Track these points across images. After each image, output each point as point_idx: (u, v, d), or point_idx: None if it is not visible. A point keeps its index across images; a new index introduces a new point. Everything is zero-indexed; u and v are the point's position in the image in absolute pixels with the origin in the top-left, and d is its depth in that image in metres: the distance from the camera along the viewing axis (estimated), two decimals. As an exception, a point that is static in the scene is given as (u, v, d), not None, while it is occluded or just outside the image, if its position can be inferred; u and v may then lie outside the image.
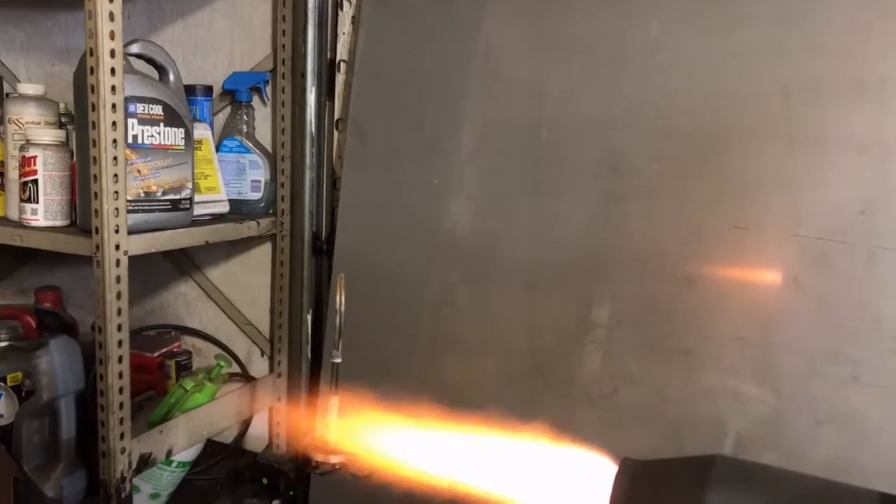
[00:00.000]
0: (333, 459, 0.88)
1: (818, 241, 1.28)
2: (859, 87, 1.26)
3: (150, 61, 1.48)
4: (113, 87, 1.31)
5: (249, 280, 1.96)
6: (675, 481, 0.57)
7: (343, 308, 0.97)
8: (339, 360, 0.96)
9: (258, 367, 1.97)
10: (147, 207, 1.44)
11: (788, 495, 0.54)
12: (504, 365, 1.50)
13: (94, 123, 1.31)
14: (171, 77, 1.49)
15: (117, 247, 1.36)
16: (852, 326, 1.26)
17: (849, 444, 1.26)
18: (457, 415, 0.78)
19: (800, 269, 1.29)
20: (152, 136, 1.44)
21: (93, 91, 1.30)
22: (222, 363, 1.75)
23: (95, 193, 1.33)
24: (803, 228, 1.29)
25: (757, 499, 0.54)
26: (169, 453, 1.56)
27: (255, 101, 1.84)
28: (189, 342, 2.04)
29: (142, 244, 1.43)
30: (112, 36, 1.30)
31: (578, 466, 0.62)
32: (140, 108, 1.41)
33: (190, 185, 1.53)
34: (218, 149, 1.75)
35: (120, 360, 1.39)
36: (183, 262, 2.04)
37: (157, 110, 1.44)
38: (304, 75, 1.73)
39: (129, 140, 1.39)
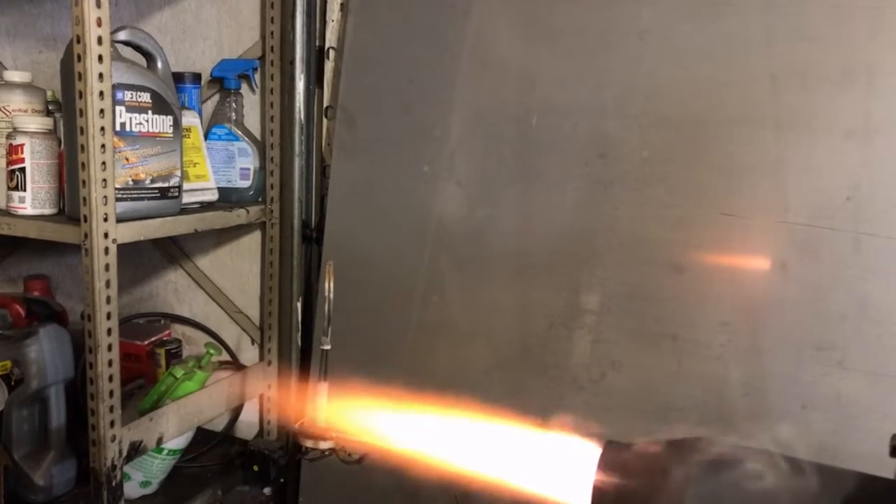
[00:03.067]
0: (323, 445, 0.88)
1: (805, 228, 1.29)
2: (847, 74, 1.27)
3: (137, 48, 1.47)
4: (100, 75, 1.31)
5: (239, 268, 1.96)
6: (659, 462, 0.57)
7: (332, 295, 0.97)
8: (328, 347, 0.96)
9: (248, 355, 1.97)
10: (136, 195, 1.44)
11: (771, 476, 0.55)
12: (493, 351, 1.51)
13: (81, 111, 1.31)
14: (159, 64, 1.49)
15: (106, 235, 1.36)
16: (838, 312, 1.27)
17: (835, 428, 1.27)
18: (446, 399, 0.79)
19: (787, 256, 1.30)
20: (140, 123, 1.43)
21: (80, 78, 1.30)
22: (212, 351, 1.75)
23: (83, 181, 1.33)
24: (790, 215, 1.30)
25: (739, 480, 0.55)
26: (159, 441, 1.56)
27: (244, 88, 1.84)
28: (179, 330, 2.04)
29: (130, 232, 1.43)
30: (99, 23, 1.30)
31: (564, 448, 0.63)
32: (128, 95, 1.41)
33: (178, 172, 1.52)
34: (207, 136, 1.75)
35: (109, 348, 1.39)
36: (172, 251, 2.03)
37: (145, 98, 1.44)
38: (292, 62, 1.72)
39: (117, 128, 1.38)
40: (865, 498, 0.53)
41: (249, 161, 1.78)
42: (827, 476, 0.57)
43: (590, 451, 0.61)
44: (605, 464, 0.59)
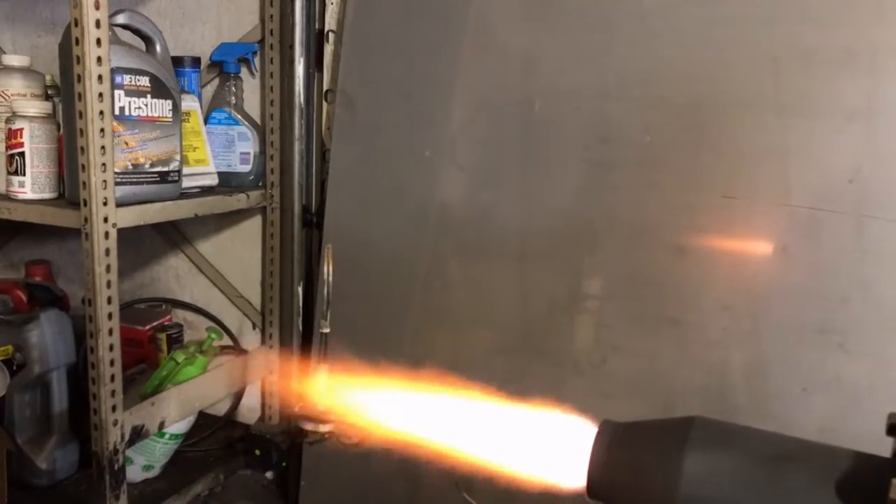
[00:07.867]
0: (323, 428, 0.88)
1: (807, 211, 1.28)
2: (850, 56, 1.26)
3: (136, 32, 1.46)
4: (99, 58, 1.30)
5: (240, 253, 1.96)
6: (655, 441, 0.57)
7: (331, 278, 0.97)
8: (327, 330, 0.96)
9: (250, 339, 1.97)
10: (135, 180, 1.44)
11: (766, 454, 0.55)
12: (495, 336, 1.51)
13: (80, 95, 1.30)
14: (158, 48, 1.48)
15: (106, 219, 1.36)
16: (840, 295, 1.27)
17: (836, 411, 1.27)
18: (446, 383, 0.79)
19: (788, 239, 1.30)
20: (139, 107, 1.43)
21: (78, 62, 1.29)
22: (214, 336, 1.75)
23: (83, 166, 1.32)
24: (792, 198, 1.29)
25: (735, 458, 0.55)
26: (161, 425, 1.56)
27: (244, 72, 1.83)
28: (180, 315, 2.04)
29: (130, 216, 1.42)
30: (97, 6, 1.29)
31: (561, 427, 0.63)
32: (127, 79, 1.40)
33: (178, 157, 1.52)
34: (206, 121, 1.74)
35: (110, 332, 1.39)
36: (173, 236, 2.03)
37: (144, 82, 1.43)
38: (292, 46, 1.72)
39: (116, 112, 1.38)
40: (862, 476, 0.53)
41: (249, 145, 1.78)
42: (823, 454, 0.57)
43: (586, 430, 0.61)
44: (601, 442, 0.59)
